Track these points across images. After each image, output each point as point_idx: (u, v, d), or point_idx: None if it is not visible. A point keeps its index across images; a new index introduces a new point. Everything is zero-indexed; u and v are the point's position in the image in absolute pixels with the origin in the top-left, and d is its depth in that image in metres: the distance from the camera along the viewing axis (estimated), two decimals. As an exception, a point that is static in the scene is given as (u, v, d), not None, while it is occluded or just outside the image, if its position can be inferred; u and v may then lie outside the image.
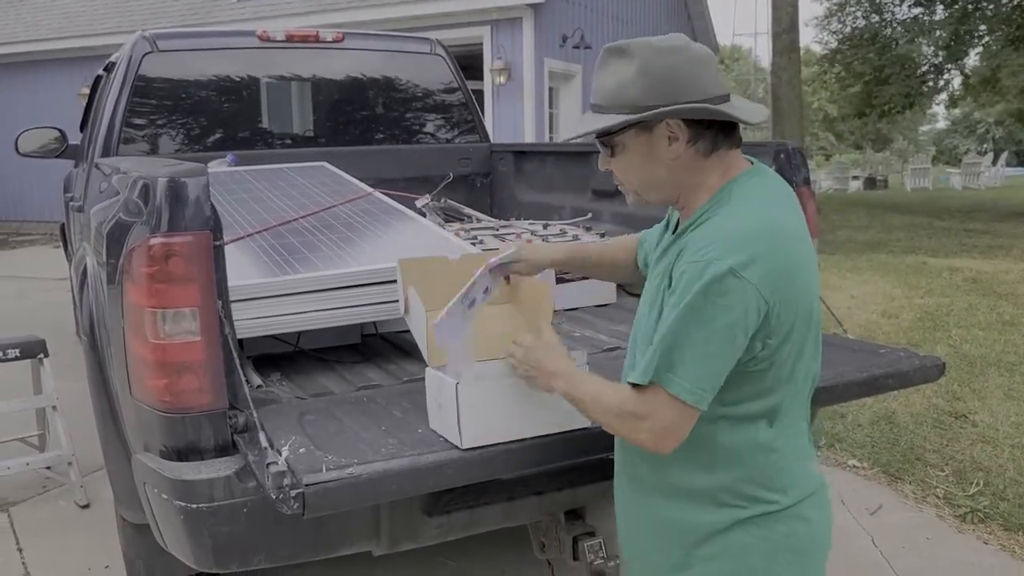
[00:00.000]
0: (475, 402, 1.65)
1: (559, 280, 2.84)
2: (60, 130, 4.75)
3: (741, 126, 1.42)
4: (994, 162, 24.20)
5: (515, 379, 1.64)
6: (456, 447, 1.67)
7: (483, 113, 8.35)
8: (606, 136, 1.41)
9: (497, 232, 3.16)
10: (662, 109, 1.33)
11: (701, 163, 1.39)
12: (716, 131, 1.38)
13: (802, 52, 14.93)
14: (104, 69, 4.20)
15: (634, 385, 1.33)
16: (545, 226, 3.31)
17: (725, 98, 1.38)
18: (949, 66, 16.22)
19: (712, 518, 1.40)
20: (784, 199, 1.41)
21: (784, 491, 1.40)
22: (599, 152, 1.48)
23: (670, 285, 1.35)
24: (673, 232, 1.48)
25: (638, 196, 1.47)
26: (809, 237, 1.40)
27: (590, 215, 3.45)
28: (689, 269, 1.29)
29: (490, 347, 1.75)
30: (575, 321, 2.78)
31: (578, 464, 1.86)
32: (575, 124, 1.50)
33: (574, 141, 1.53)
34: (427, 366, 1.82)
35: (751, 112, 1.40)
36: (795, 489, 1.41)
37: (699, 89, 1.34)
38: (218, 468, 1.74)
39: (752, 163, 1.45)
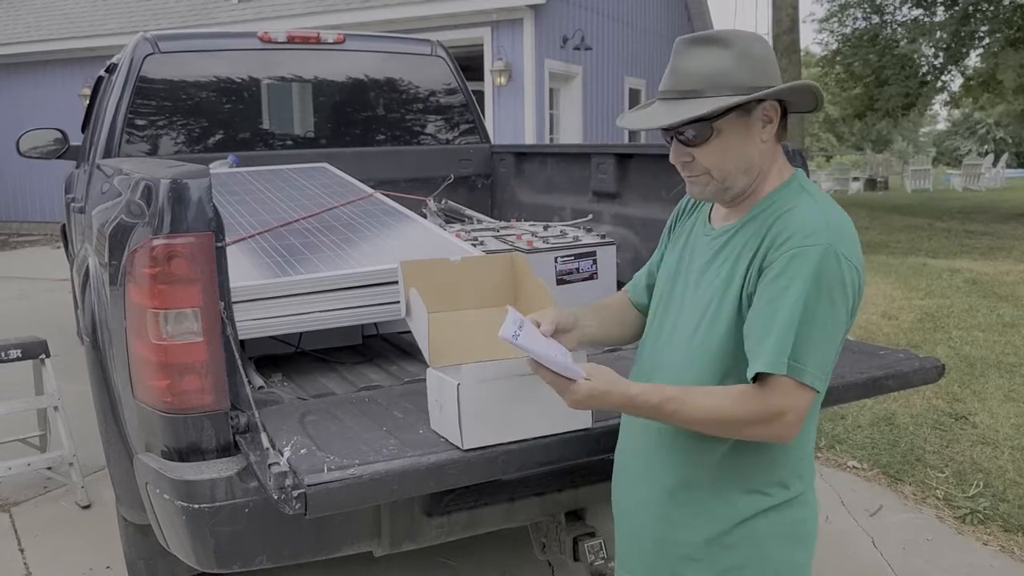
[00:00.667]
0: (476, 403, 1.65)
1: (560, 282, 2.84)
2: (61, 131, 4.75)
3: None
4: (994, 163, 24.19)
5: (515, 379, 1.64)
6: (457, 448, 1.67)
7: (483, 114, 8.36)
8: (701, 122, 1.36)
9: (498, 233, 3.17)
10: (773, 89, 1.35)
11: (775, 149, 1.44)
12: (784, 119, 1.43)
13: (802, 53, 14.92)
14: (106, 70, 4.21)
15: (755, 379, 1.31)
16: (546, 227, 3.31)
17: None
18: (950, 67, 16.22)
19: (738, 508, 1.42)
20: None
21: (801, 477, 1.45)
22: (598, 155, 1.48)
23: (758, 271, 1.34)
24: (707, 226, 1.51)
25: (720, 185, 1.41)
26: None
27: (591, 216, 3.46)
28: (800, 253, 1.30)
29: (490, 348, 1.76)
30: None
31: (579, 465, 1.87)
32: (654, 113, 1.42)
33: (660, 127, 1.42)
34: (428, 367, 1.82)
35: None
36: (808, 475, 1.47)
37: (780, 75, 1.41)
38: (220, 468, 1.75)
39: None
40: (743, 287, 1.36)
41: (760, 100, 1.37)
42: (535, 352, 1.34)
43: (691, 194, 1.46)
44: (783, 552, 1.43)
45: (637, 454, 1.54)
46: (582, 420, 1.74)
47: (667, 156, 1.51)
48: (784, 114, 1.42)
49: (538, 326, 1.48)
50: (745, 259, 1.38)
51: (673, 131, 1.40)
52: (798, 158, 2.60)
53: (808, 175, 2.62)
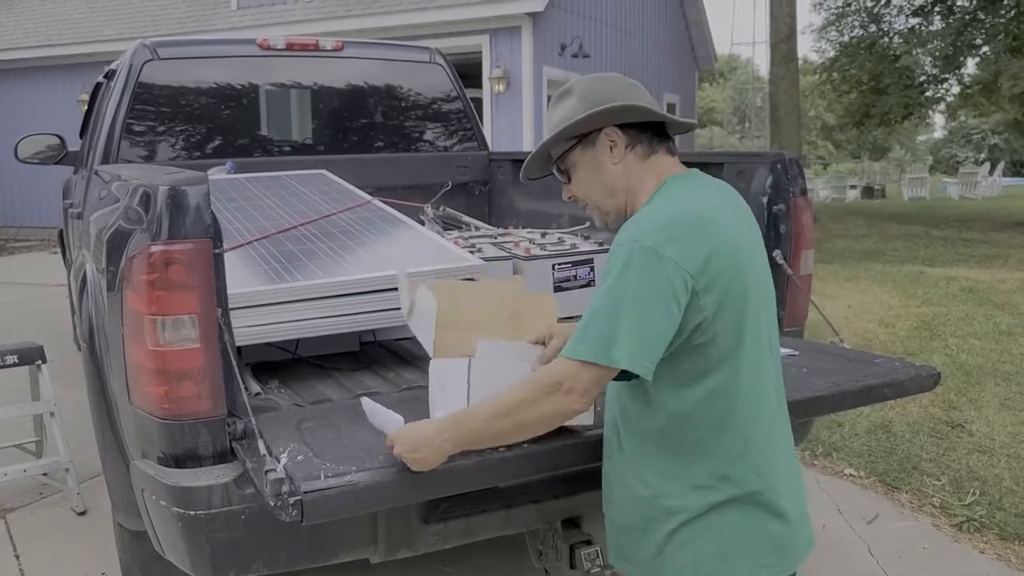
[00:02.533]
0: (485, 379, 1.68)
1: (557, 289, 2.85)
2: (59, 136, 4.75)
3: (731, 135, 1.49)
4: (991, 172, 24.25)
5: (522, 361, 1.71)
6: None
7: (482, 121, 8.38)
8: (560, 160, 1.59)
9: (495, 240, 3.18)
10: (592, 111, 1.49)
11: (642, 166, 1.54)
12: (651, 136, 1.54)
13: (800, 61, 14.98)
14: (104, 76, 4.21)
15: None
16: (543, 234, 3.32)
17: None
18: (947, 76, 16.27)
19: (687, 502, 1.44)
20: (711, 194, 1.50)
21: (750, 473, 1.44)
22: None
23: None
24: None
25: (600, 210, 1.59)
26: (746, 228, 1.50)
27: (588, 224, 3.47)
28: (614, 251, 1.41)
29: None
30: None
31: (575, 472, 1.86)
32: (527, 162, 1.66)
33: (535, 178, 1.73)
34: (432, 359, 1.83)
35: (675, 118, 1.56)
36: (765, 473, 1.45)
37: (627, 99, 1.52)
38: (216, 475, 1.75)
39: (690, 170, 1.56)
40: None
41: (599, 128, 1.52)
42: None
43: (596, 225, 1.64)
44: (747, 552, 1.44)
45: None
46: (584, 417, 1.73)
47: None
48: (654, 129, 1.53)
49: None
50: None
51: (556, 172, 1.63)
52: (795, 166, 2.62)
53: (805, 186, 2.64)
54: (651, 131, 1.54)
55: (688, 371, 1.41)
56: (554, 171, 1.64)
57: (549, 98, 11.45)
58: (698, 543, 1.43)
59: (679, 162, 1.57)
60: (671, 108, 15.80)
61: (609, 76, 1.58)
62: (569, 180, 1.61)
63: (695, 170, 1.57)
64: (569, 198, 1.63)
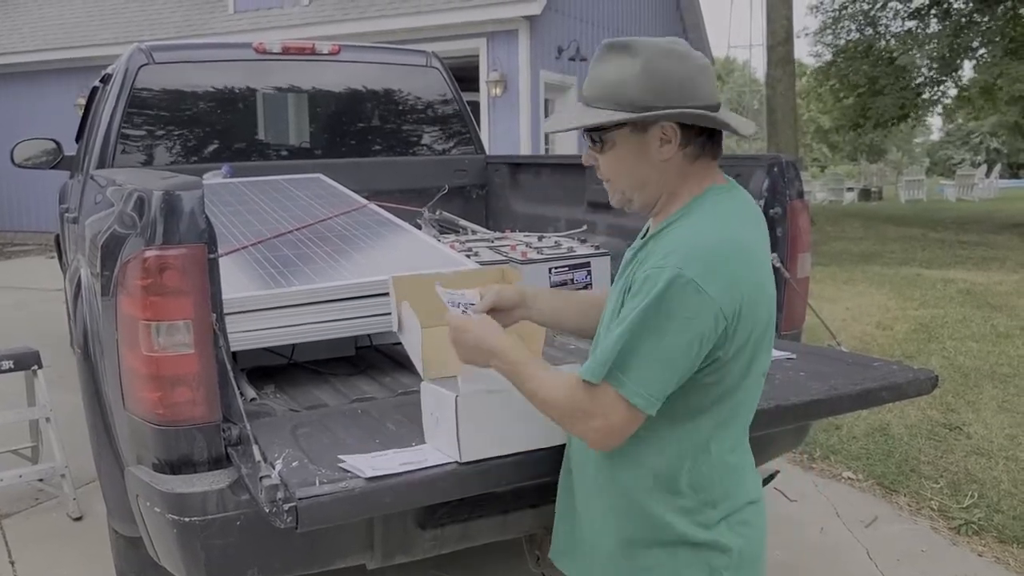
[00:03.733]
0: (474, 414, 1.64)
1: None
2: (55, 141, 4.74)
3: (728, 137, 1.45)
4: (987, 174, 24.31)
5: (513, 390, 1.64)
6: (453, 461, 1.66)
7: (479, 125, 8.37)
8: (596, 131, 1.41)
9: (492, 244, 3.17)
10: (661, 111, 1.34)
11: (686, 169, 1.41)
12: (705, 139, 1.40)
13: (796, 64, 15.00)
14: (100, 80, 4.20)
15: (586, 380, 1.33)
16: (540, 238, 3.31)
17: (717, 107, 1.39)
18: (943, 78, 16.31)
19: (656, 530, 1.41)
20: (750, 218, 1.42)
21: (714, 504, 1.41)
22: (593, 166, 1.48)
23: (631, 288, 1.35)
24: (642, 237, 1.50)
25: (623, 195, 1.45)
26: (769, 259, 1.42)
27: (585, 227, 3.46)
28: (653, 275, 1.29)
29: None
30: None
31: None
32: (566, 115, 1.48)
33: (563, 131, 1.50)
34: (422, 380, 1.82)
35: (742, 124, 1.43)
36: (726, 503, 1.41)
37: (697, 95, 1.36)
38: (211, 481, 1.74)
39: (728, 180, 1.46)
40: (622, 303, 1.37)
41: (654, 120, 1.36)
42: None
43: (610, 201, 1.49)
44: None
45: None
46: None
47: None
48: (709, 133, 1.40)
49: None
50: (630, 277, 1.39)
51: (586, 134, 1.44)
52: (792, 169, 2.62)
53: (802, 189, 2.64)
54: (707, 132, 1.39)
55: (681, 407, 1.36)
56: (583, 134, 1.44)
57: (547, 102, 11.54)
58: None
59: (719, 168, 1.45)
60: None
61: (680, 52, 1.37)
62: (599, 151, 1.43)
63: (733, 181, 1.47)
64: (590, 166, 1.48)
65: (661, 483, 1.40)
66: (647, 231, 1.49)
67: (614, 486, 1.44)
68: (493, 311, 1.64)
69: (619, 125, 1.38)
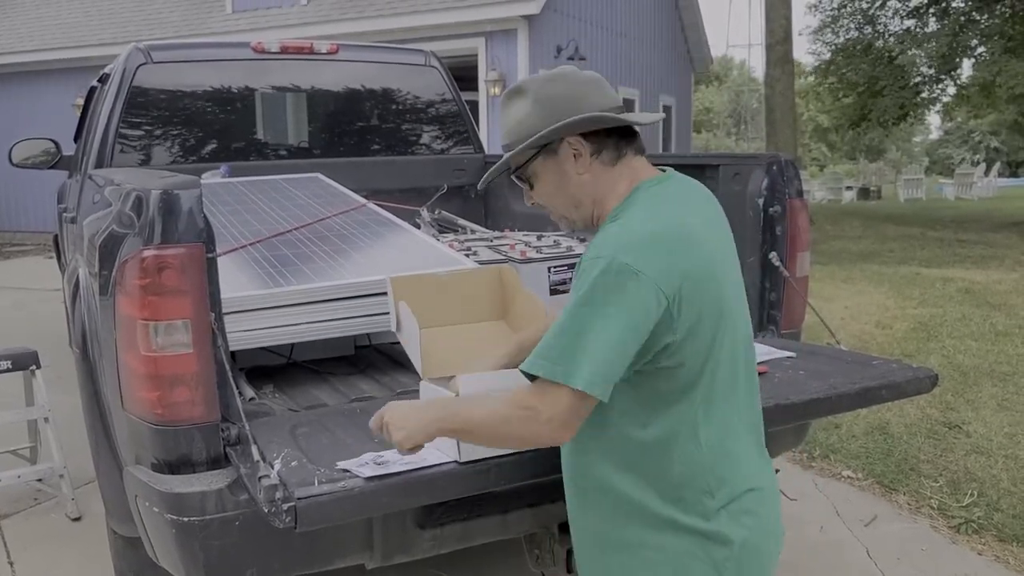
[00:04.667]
0: None
1: (553, 292, 2.84)
2: (54, 141, 4.74)
3: (728, 137, 1.45)
4: (986, 173, 24.31)
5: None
6: (450, 460, 1.66)
7: (477, 124, 8.37)
8: (520, 170, 1.50)
9: (491, 243, 3.17)
10: (553, 127, 1.41)
11: (610, 172, 1.46)
12: (617, 139, 1.45)
13: (795, 64, 15.00)
14: (98, 80, 4.20)
15: (531, 380, 1.33)
16: (539, 237, 3.31)
17: (618, 110, 1.46)
18: (942, 77, 16.31)
19: (654, 523, 1.41)
20: (690, 203, 1.45)
21: (711, 493, 1.40)
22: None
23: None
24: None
25: (566, 219, 1.51)
26: (722, 237, 1.46)
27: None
28: (587, 266, 1.33)
29: (483, 360, 1.75)
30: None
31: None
32: (488, 176, 1.57)
33: (491, 180, 1.60)
34: (421, 379, 1.81)
35: (642, 116, 1.49)
36: (723, 491, 1.40)
37: (589, 104, 1.43)
38: (210, 481, 1.74)
39: (662, 172, 1.49)
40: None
41: (562, 138, 1.43)
42: None
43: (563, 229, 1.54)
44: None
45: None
46: None
47: (661, 165, 1.55)
48: (620, 133, 1.45)
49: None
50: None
51: (514, 177, 1.52)
52: (791, 167, 2.61)
53: (801, 187, 2.64)
54: (617, 134, 1.45)
55: (652, 394, 1.37)
56: (512, 178, 1.53)
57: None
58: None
59: (648, 163, 1.50)
60: (667, 110, 15.82)
61: (564, 74, 1.47)
62: (531, 187, 1.52)
63: (669, 172, 1.50)
64: (532, 205, 1.55)
65: (653, 475, 1.40)
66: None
67: (608, 484, 1.44)
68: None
69: (532, 157, 1.47)
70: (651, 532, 1.41)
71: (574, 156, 1.44)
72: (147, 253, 1.74)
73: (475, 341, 1.81)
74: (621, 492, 1.43)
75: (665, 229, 1.35)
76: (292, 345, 2.50)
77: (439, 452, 1.70)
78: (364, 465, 1.62)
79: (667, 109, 15.81)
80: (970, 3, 14.86)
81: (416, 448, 1.46)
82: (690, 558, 1.40)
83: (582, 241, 3.23)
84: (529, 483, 1.85)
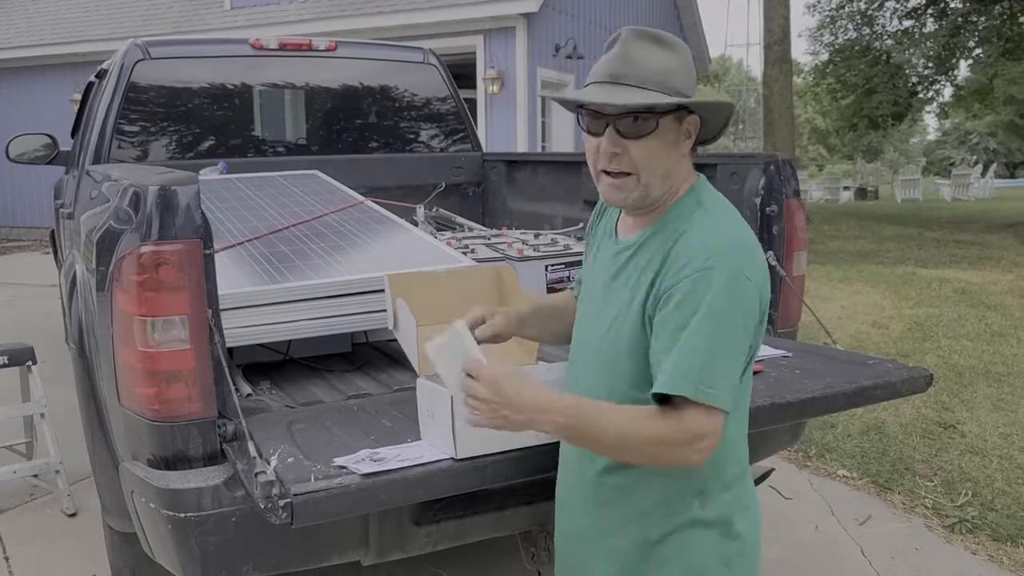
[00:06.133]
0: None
1: (551, 290, 2.84)
2: (51, 136, 4.73)
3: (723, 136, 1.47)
4: (983, 173, 24.34)
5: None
6: (447, 457, 1.66)
7: (476, 122, 8.36)
8: (647, 114, 1.34)
9: (489, 241, 3.17)
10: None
11: (688, 161, 1.44)
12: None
13: (793, 64, 15.01)
14: (96, 76, 4.19)
15: (660, 401, 1.29)
16: (536, 235, 3.31)
17: None
18: (940, 78, 16.34)
19: (672, 518, 1.41)
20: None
21: (728, 486, 1.41)
22: (587, 161, 1.47)
23: (658, 297, 1.33)
24: (613, 237, 1.50)
25: (643, 189, 1.38)
26: None
27: (581, 224, 3.46)
28: (702, 276, 1.28)
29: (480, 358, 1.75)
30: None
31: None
32: (600, 91, 1.36)
33: (617, 106, 1.36)
34: (418, 376, 1.82)
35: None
36: (736, 484, 1.43)
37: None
38: (206, 477, 1.74)
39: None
40: (644, 309, 1.35)
41: (690, 111, 1.38)
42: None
43: (609, 199, 1.42)
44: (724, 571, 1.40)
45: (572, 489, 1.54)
46: None
47: None
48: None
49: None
50: (646, 280, 1.36)
51: (612, 119, 1.35)
52: (788, 167, 2.62)
53: (798, 187, 2.64)
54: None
55: None
56: (610, 120, 1.36)
57: (543, 99, 11.52)
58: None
59: None
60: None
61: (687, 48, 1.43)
62: (635, 136, 1.35)
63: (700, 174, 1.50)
64: (610, 154, 1.37)
65: (686, 468, 1.38)
66: (613, 229, 1.52)
67: (638, 480, 1.41)
68: (493, 340, 1.65)
69: (668, 111, 1.35)
70: (677, 523, 1.41)
71: (687, 134, 1.40)
72: (144, 249, 1.74)
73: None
74: (658, 484, 1.40)
75: (748, 236, 1.36)
76: (289, 342, 2.51)
77: (435, 449, 1.70)
78: (360, 462, 1.62)
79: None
80: (968, 4, 14.88)
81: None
82: (706, 554, 1.40)
83: (579, 240, 3.24)
84: (525, 480, 1.85)
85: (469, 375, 1.34)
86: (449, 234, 3.45)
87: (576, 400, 1.34)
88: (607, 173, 1.39)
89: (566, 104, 1.44)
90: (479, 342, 1.56)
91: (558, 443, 1.67)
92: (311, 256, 2.55)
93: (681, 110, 1.37)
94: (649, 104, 1.32)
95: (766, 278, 1.34)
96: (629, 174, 1.37)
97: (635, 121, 1.34)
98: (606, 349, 1.42)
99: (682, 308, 1.29)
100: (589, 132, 1.40)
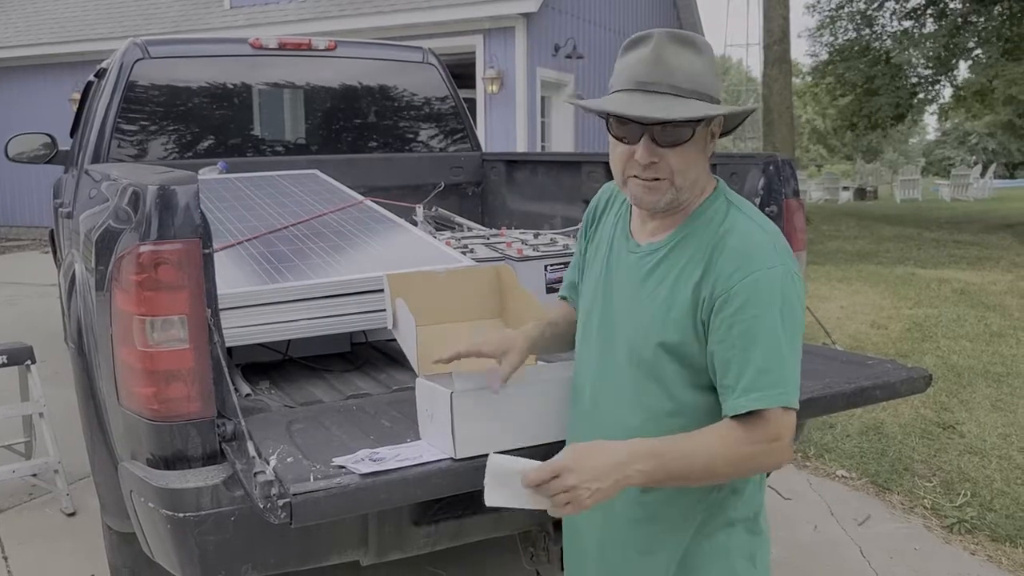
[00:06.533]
0: (469, 411, 1.64)
1: (550, 290, 2.84)
2: (50, 135, 4.73)
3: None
4: (982, 174, 24.34)
5: (506, 387, 1.64)
6: (446, 457, 1.66)
7: (475, 122, 8.37)
8: (687, 123, 1.32)
9: (488, 241, 3.17)
10: (742, 108, 1.39)
11: (708, 164, 1.44)
12: None
13: (792, 65, 15.01)
14: (95, 75, 4.19)
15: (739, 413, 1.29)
16: (536, 235, 3.31)
17: None
18: (939, 78, 16.35)
19: (708, 520, 1.42)
20: None
21: (759, 481, 1.46)
22: (589, 163, 1.49)
23: (713, 300, 1.31)
24: (629, 240, 1.48)
25: (676, 193, 1.37)
26: None
27: (580, 224, 3.46)
28: (761, 279, 1.29)
29: (479, 359, 1.75)
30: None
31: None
32: (642, 103, 1.31)
33: (660, 120, 1.32)
34: (417, 376, 1.81)
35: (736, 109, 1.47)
36: (764, 482, 1.48)
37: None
38: (206, 477, 1.73)
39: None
40: (695, 312, 1.34)
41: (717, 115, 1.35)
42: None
43: (643, 202, 1.39)
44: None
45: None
46: None
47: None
48: None
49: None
50: (689, 282, 1.35)
51: (648, 127, 1.32)
52: (787, 167, 2.62)
53: (797, 187, 2.64)
54: None
55: None
56: (646, 129, 1.32)
57: (543, 99, 11.53)
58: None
59: None
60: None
61: None
62: (672, 144, 1.33)
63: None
64: (648, 163, 1.34)
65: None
66: (627, 225, 1.51)
67: (683, 494, 1.41)
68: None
69: (699, 122, 1.33)
70: (713, 527, 1.42)
71: (713, 135, 1.38)
72: (144, 248, 1.74)
73: (472, 337, 1.81)
74: (696, 491, 1.40)
75: (782, 234, 1.39)
76: (288, 341, 2.50)
77: (434, 449, 1.70)
78: (360, 462, 1.62)
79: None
80: (967, 5, 14.88)
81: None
82: (738, 551, 1.42)
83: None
84: (524, 480, 1.85)
85: (555, 476, 1.25)
86: (448, 234, 3.45)
87: (649, 444, 1.28)
88: (638, 177, 1.37)
89: (598, 111, 1.36)
90: (504, 381, 1.57)
91: (559, 442, 1.67)
92: (310, 256, 2.55)
93: (705, 118, 1.34)
94: (698, 116, 1.30)
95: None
96: (671, 176, 1.35)
97: (674, 129, 1.32)
98: (641, 350, 1.39)
99: (745, 311, 1.28)
100: (619, 139, 1.37)
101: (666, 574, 1.44)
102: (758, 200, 2.58)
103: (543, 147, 11.61)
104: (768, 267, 1.29)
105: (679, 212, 1.41)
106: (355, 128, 4.14)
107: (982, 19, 14.70)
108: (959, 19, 14.89)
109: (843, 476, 3.81)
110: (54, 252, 5.56)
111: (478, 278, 2.22)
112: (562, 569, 2.04)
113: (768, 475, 1.54)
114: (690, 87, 1.31)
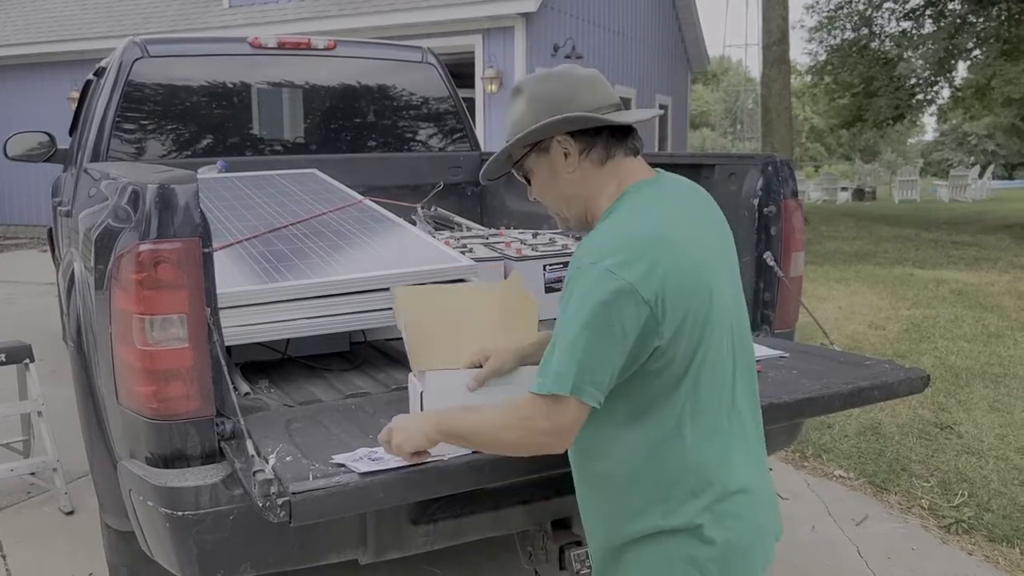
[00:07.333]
0: (438, 406, 1.67)
1: (548, 290, 2.84)
2: (48, 134, 4.72)
3: (723, 137, 1.48)
4: (981, 175, 24.37)
5: (481, 387, 1.70)
6: (444, 456, 1.67)
7: (474, 122, 8.36)
8: (517, 166, 1.54)
9: (487, 240, 3.17)
10: (536, 126, 1.45)
11: (599, 172, 1.47)
12: (607, 139, 1.46)
13: (791, 64, 15.02)
14: (94, 74, 4.19)
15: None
16: (535, 235, 3.31)
17: (612, 108, 1.46)
18: (938, 79, 16.36)
19: (633, 525, 1.43)
20: (680, 203, 1.46)
21: (697, 493, 1.39)
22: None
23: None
24: None
25: (559, 215, 1.56)
26: (714, 240, 1.46)
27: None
28: (572, 275, 1.36)
29: (476, 357, 1.76)
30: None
31: (565, 473, 1.86)
32: (488, 166, 1.60)
33: (494, 178, 1.67)
34: (410, 372, 1.83)
35: (631, 114, 1.48)
36: (709, 492, 1.40)
37: (579, 103, 1.45)
38: (205, 476, 1.74)
39: (655, 172, 1.50)
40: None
41: (551, 137, 1.47)
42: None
43: (563, 228, 1.59)
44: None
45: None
46: None
47: (656, 164, 1.57)
48: (611, 132, 1.46)
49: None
50: None
51: (513, 172, 1.58)
52: (786, 168, 2.62)
53: (796, 188, 2.64)
54: (607, 133, 1.46)
55: (640, 395, 1.37)
56: (513, 172, 1.58)
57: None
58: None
59: (643, 163, 1.50)
60: (663, 108, 15.83)
61: (560, 73, 1.49)
62: (529, 183, 1.57)
63: (659, 173, 1.50)
64: (533, 200, 1.60)
65: (644, 474, 1.41)
66: None
67: (597, 485, 1.47)
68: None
69: (526, 154, 1.51)
70: (639, 531, 1.42)
71: (564, 155, 1.47)
72: (143, 247, 1.74)
73: (470, 336, 1.82)
74: (614, 491, 1.45)
75: (644, 231, 1.36)
76: (287, 341, 2.51)
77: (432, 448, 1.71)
78: (359, 460, 1.62)
79: (663, 108, 15.82)
80: (966, 5, 14.90)
81: (420, 454, 1.54)
82: (674, 558, 1.40)
83: (577, 239, 3.24)
84: (523, 480, 1.86)
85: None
86: (447, 233, 3.45)
87: (449, 409, 1.54)
88: None
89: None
90: (481, 382, 1.72)
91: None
92: (309, 255, 2.55)
93: (534, 144, 1.49)
94: (493, 170, 1.58)
95: (663, 279, 1.31)
96: (543, 204, 1.58)
97: (516, 172, 1.56)
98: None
99: (561, 302, 1.37)
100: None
101: (599, 565, 1.53)
102: (756, 200, 2.58)
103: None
104: (579, 265, 1.35)
105: (593, 221, 1.50)
106: (354, 127, 4.14)
107: (981, 20, 14.72)
108: (957, 20, 14.91)
109: (841, 476, 3.82)
110: (52, 251, 5.55)
111: (488, 291, 2.20)
112: (562, 568, 2.05)
113: (736, 486, 1.47)
114: (511, 133, 1.51)
